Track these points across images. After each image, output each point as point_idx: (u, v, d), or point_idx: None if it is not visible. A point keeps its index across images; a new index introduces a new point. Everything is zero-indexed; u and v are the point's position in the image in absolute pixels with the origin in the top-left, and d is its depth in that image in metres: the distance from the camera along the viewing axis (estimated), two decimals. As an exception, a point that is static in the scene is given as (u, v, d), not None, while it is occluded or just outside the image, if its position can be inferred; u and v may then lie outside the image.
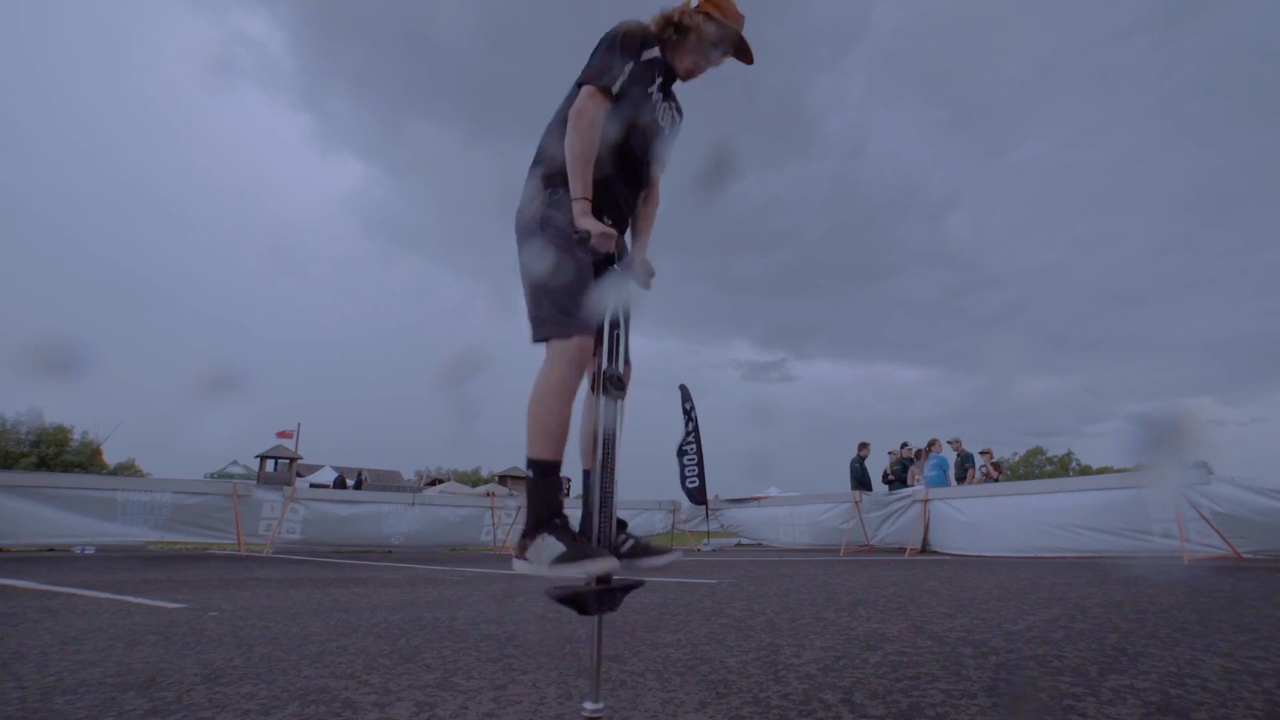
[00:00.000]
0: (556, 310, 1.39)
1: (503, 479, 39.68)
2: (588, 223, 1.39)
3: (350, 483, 24.60)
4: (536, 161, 1.58)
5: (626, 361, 1.42)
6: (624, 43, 1.51)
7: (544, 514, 1.29)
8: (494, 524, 10.35)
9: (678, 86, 1.70)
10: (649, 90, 1.56)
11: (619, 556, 1.30)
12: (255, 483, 13.80)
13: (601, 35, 1.55)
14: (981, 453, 10.47)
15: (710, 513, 11.91)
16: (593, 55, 1.52)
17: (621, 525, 1.41)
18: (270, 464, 33.23)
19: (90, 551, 7.74)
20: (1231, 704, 1.33)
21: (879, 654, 1.89)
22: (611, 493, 1.30)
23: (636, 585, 1.31)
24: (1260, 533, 6.03)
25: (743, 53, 1.67)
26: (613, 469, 1.30)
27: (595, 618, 1.22)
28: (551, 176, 1.51)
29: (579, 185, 1.43)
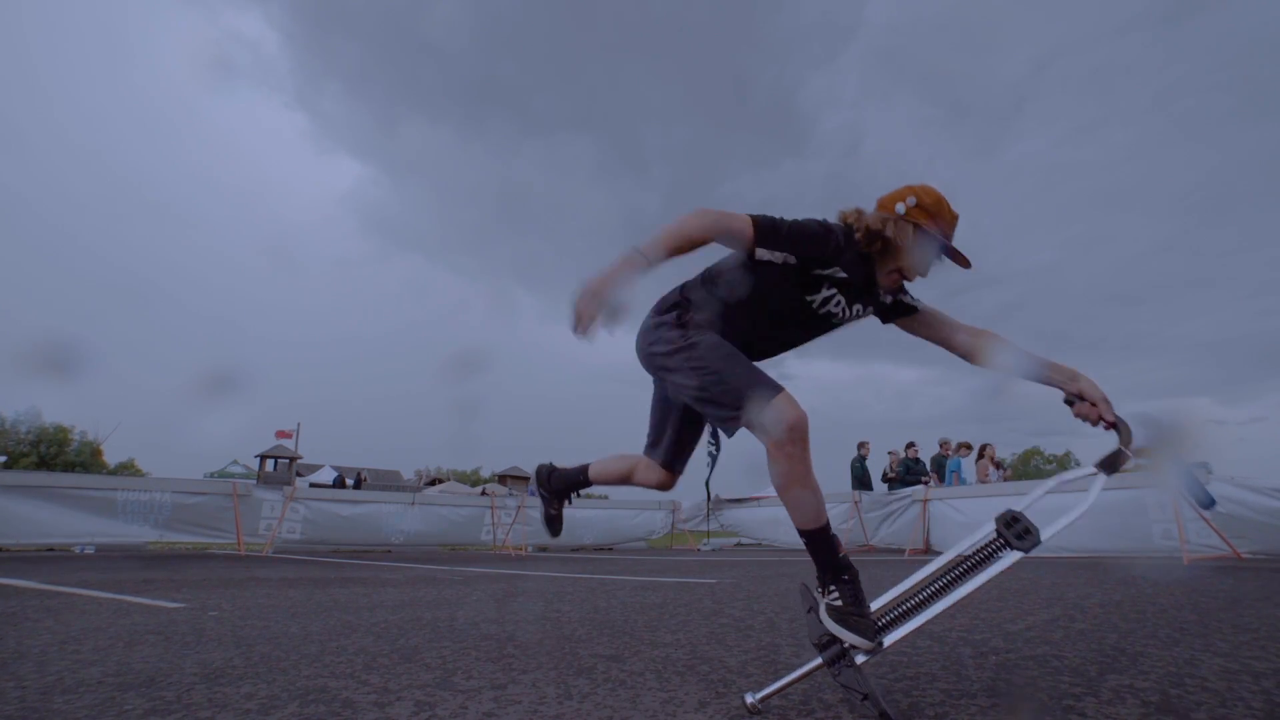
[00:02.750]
0: (738, 395, 1.35)
1: (502, 479, 39.66)
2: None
3: (350, 483, 24.57)
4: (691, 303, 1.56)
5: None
6: (811, 233, 1.43)
7: (831, 570, 1.35)
8: (494, 524, 10.35)
9: None
10: (816, 294, 1.49)
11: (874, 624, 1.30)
12: (255, 482, 13.79)
13: (815, 218, 1.46)
14: (982, 448, 10.07)
15: (710, 513, 11.91)
16: (789, 226, 1.42)
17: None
18: (270, 464, 33.25)
19: (90, 551, 7.73)
20: (1231, 704, 1.33)
21: (878, 654, 1.89)
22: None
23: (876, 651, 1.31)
24: (1260, 533, 6.03)
25: (958, 259, 1.49)
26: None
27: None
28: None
29: (660, 252, 1.35)
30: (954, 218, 1.49)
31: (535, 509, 10.97)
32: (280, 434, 26.64)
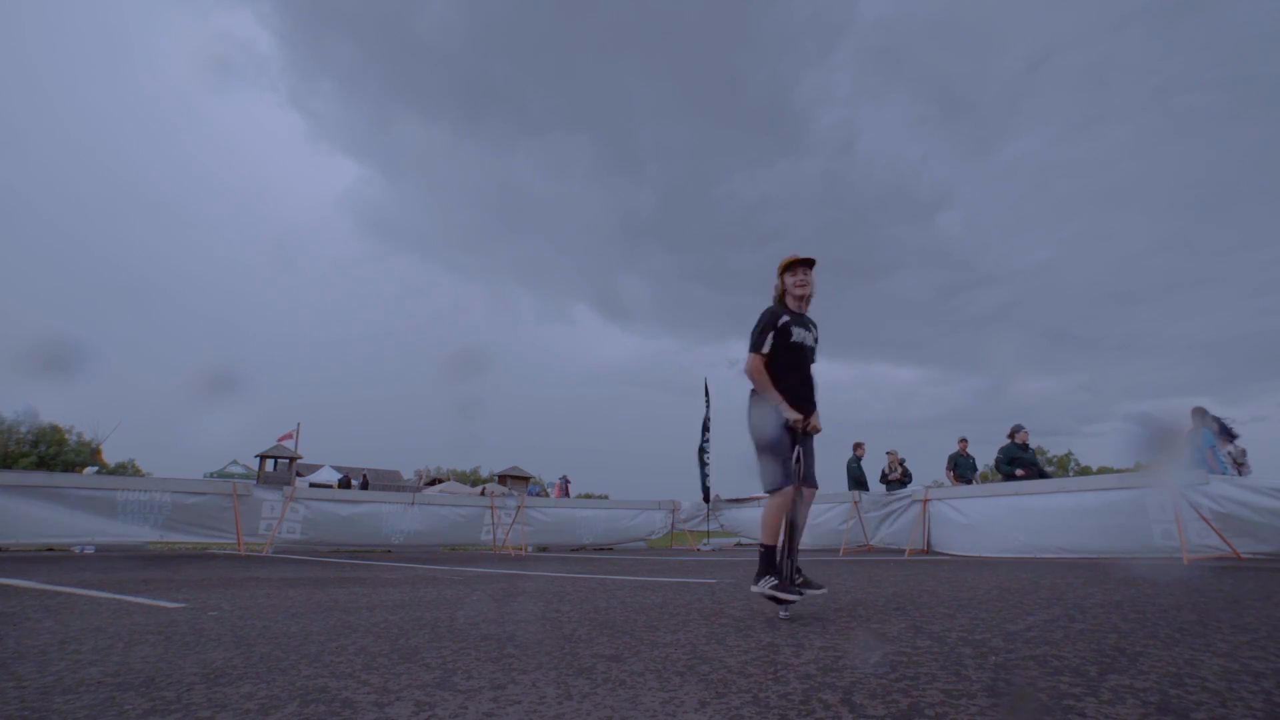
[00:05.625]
0: (777, 471, 2.73)
1: (502, 479, 39.64)
2: (790, 413, 2.73)
3: (355, 483, 24.55)
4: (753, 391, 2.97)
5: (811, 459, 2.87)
6: (766, 323, 2.87)
7: (770, 569, 2.70)
8: (494, 524, 10.35)
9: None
10: (793, 327, 2.85)
11: (796, 586, 2.67)
12: (255, 482, 13.80)
13: (765, 310, 2.94)
14: (1225, 429, 7.84)
15: (710, 513, 11.91)
16: (759, 328, 2.87)
17: (799, 570, 2.76)
18: (270, 463, 33.26)
19: (90, 551, 7.74)
20: (1231, 704, 1.33)
21: (879, 654, 1.89)
22: (796, 554, 2.77)
23: (816, 589, 2.75)
24: (1260, 533, 6.03)
25: (807, 265, 2.95)
26: (798, 543, 2.77)
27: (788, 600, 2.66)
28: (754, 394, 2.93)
29: (775, 396, 2.78)
30: (790, 259, 2.97)
31: (535, 509, 10.97)
32: (282, 438, 26.64)
